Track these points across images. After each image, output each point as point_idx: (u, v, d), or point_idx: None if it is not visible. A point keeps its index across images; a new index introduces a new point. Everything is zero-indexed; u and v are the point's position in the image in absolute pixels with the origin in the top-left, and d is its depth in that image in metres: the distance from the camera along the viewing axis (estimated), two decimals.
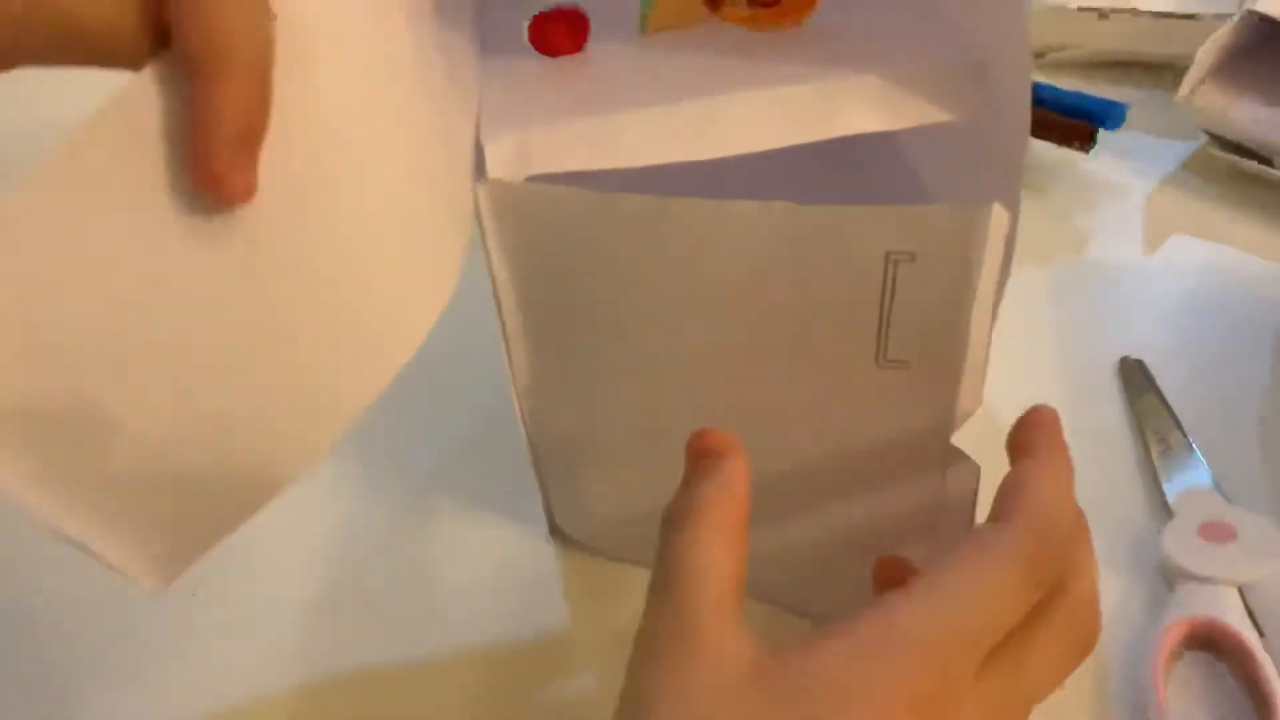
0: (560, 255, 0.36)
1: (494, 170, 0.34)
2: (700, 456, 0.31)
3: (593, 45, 0.39)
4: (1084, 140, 0.57)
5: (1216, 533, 0.39)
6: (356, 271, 0.29)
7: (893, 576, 0.33)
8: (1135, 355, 0.48)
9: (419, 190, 0.31)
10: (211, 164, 0.26)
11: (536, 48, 0.39)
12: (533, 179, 0.35)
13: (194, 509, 0.28)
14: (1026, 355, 0.50)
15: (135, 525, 0.28)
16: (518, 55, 0.39)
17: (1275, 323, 0.49)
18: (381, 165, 0.29)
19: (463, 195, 0.34)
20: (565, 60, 0.39)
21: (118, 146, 0.25)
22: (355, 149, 0.29)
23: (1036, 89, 0.58)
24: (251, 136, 0.26)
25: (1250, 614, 0.37)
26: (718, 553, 0.28)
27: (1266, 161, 0.56)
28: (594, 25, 0.39)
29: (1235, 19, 0.57)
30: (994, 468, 0.44)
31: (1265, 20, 0.57)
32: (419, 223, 0.31)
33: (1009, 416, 0.46)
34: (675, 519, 0.29)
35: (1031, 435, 0.33)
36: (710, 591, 0.27)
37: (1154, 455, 0.44)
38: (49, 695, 0.41)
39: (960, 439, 0.44)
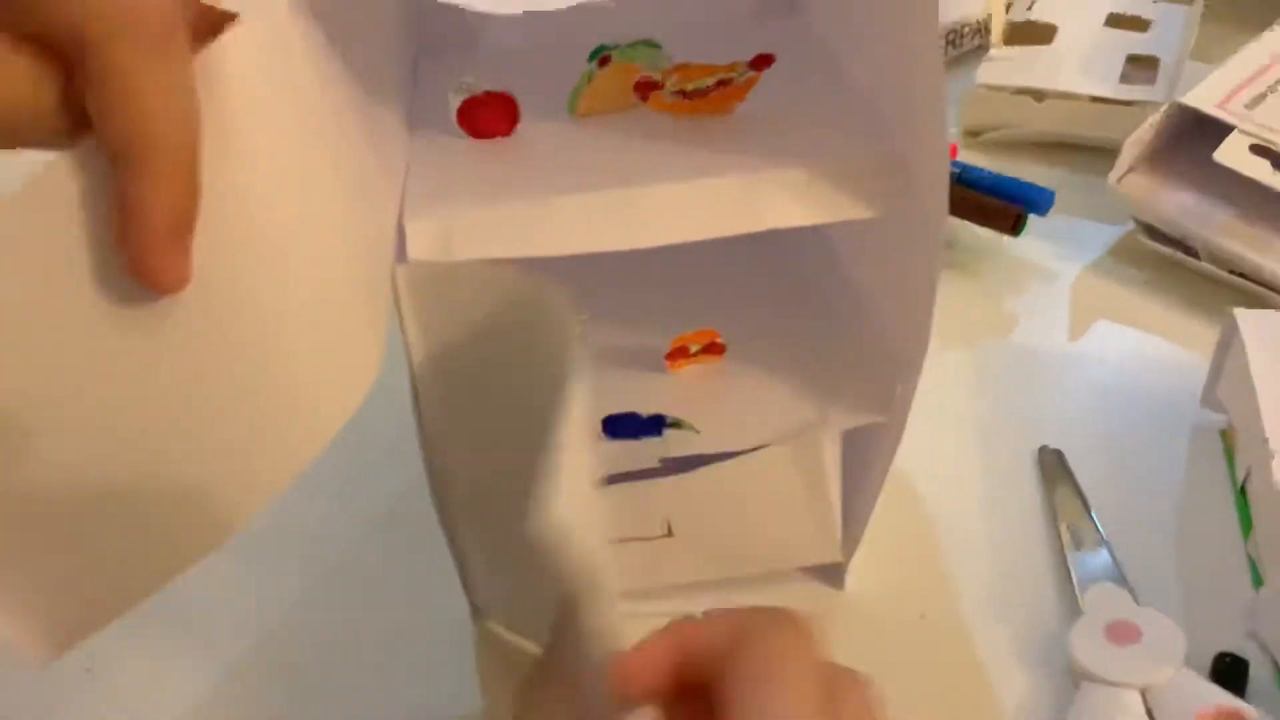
0: (475, 335, 0.35)
1: (414, 253, 0.34)
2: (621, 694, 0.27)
3: (523, 126, 0.39)
4: (1011, 225, 0.57)
5: (1122, 633, 0.39)
6: (278, 357, 0.29)
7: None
8: (1055, 444, 0.49)
9: (343, 275, 0.31)
10: (145, 256, 0.25)
11: (466, 131, 0.39)
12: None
13: (94, 581, 0.28)
14: (949, 440, 0.50)
15: (26, 595, 0.27)
16: (447, 135, 0.39)
17: (1192, 416, 0.50)
18: (307, 252, 0.29)
19: (385, 280, 0.33)
20: (495, 142, 0.39)
21: (37, 225, 0.25)
22: (280, 235, 0.28)
23: (967, 171, 0.59)
24: (182, 227, 0.26)
25: (1150, 717, 0.37)
26: None
27: (1191, 252, 0.57)
28: (525, 104, 0.39)
29: (1163, 111, 0.58)
30: (914, 548, 0.44)
31: (1191, 112, 0.57)
32: (342, 308, 0.31)
33: (932, 500, 0.47)
34: None
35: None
36: None
37: (1066, 549, 0.44)
38: None
39: (880, 523, 0.44)
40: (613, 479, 0.38)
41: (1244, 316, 0.47)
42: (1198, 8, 0.71)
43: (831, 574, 0.43)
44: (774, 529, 0.41)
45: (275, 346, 0.28)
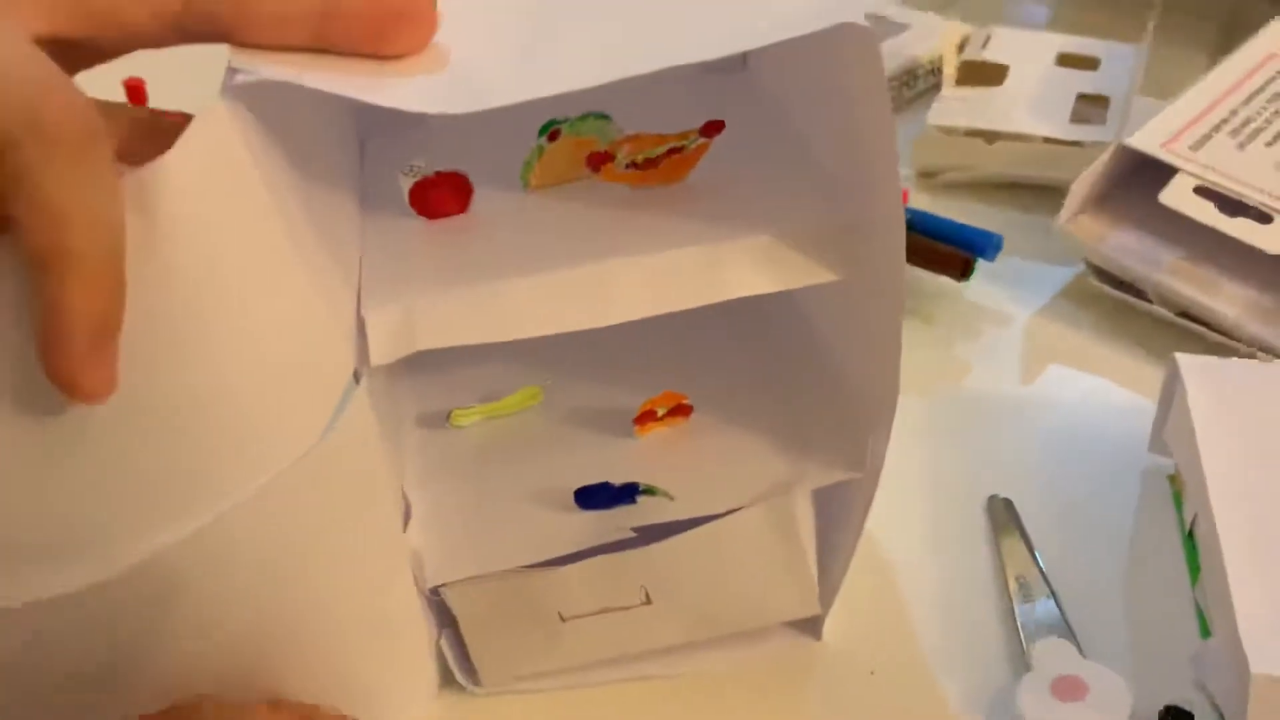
0: None
1: (375, 345, 0.34)
2: None
3: (477, 201, 0.39)
4: (960, 270, 0.57)
5: (1069, 689, 0.39)
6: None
7: None
8: (1005, 492, 0.49)
9: (292, 368, 0.31)
10: (65, 364, 0.25)
11: (419, 213, 0.39)
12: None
13: None
14: (900, 490, 0.49)
15: None
16: (400, 216, 0.39)
17: (1142, 461, 0.50)
18: (252, 346, 0.29)
19: (339, 372, 0.33)
20: (450, 221, 0.39)
21: None
22: (220, 326, 0.28)
23: (916, 216, 0.60)
24: (106, 333, 0.26)
25: None
26: None
27: (1141, 294, 0.57)
28: (478, 180, 0.39)
29: (1108, 153, 0.58)
30: (862, 601, 0.44)
31: (1137, 153, 0.58)
32: (285, 404, 0.31)
33: (882, 552, 0.47)
34: None
35: None
36: None
37: (1014, 601, 0.44)
38: None
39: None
40: (589, 553, 0.38)
41: (1185, 362, 0.47)
42: (1146, 46, 0.72)
43: (809, 625, 0.43)
44: (753, 588, 0.41)
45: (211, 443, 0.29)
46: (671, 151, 0.38)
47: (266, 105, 0.30)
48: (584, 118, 0.38)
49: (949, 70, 0.73)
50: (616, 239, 0.36)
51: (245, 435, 0.30)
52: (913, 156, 0.69)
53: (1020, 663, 0.42)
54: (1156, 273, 0.56)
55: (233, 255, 0.28)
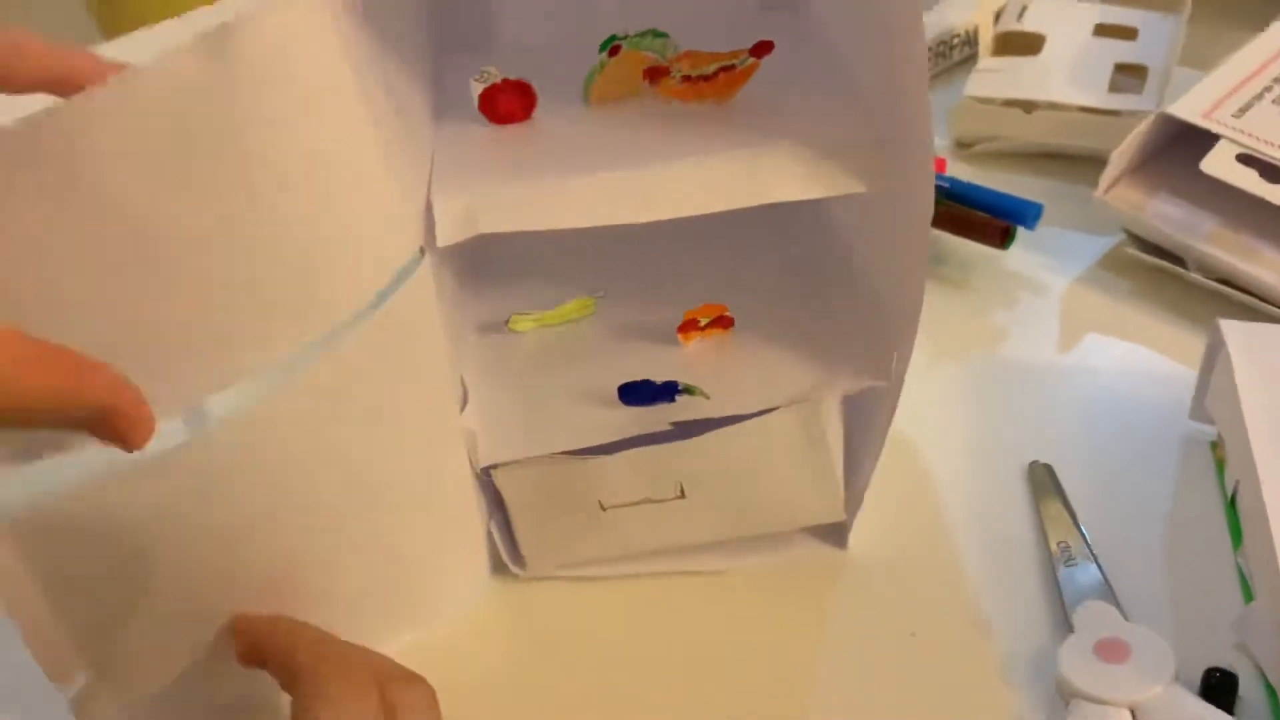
0: None
1: (442, 228, 0.37)
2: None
3: (540, 113, 0.43)
4: (999, 239, 0.57)
5: (1111, 651, 0.40)
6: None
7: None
8: (1045, 458, 0.49)
9: (359, 229, 0.33)
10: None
11: (487, 117, 0.42)
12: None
13: None
14: (940, 453, 0.50)
15: None
16: (471, 123, 0.42)
17: (1181, 428, 0.50)
18: (321, 200, 0.32)
19: (405, 244, 0.36)
20: (514, 128, 0.42)
21: None
22: (293, 177, 0.31)
23: (955, 186, 0.59)
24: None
25: None
26: None
27: (1180, 262, 0.57)
28: (543, 93, 0.43)
29: (1149, 121, 0.58)
30: (903, 566, 0.44)
31: (1177, 122, 0.58)
32: (351, 259, 0.34)
33: (927, 512, 0.47)
34: None
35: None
36: None
37: (1056, 565, 0.44)
38: None
39: (866, 539, 0.44)
40: (628, 443, 0.41)
41: (1229, 328, 0.47)
42: (1185, 16, 0.71)
43: (836, 535, 0.46)
44: (781, 490, 0.43)
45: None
46: (723, 70, 0.40)
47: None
48: (643, 34, 0.41)
49: (985, 40, 0.73)
50: (665, 146, 0.39)
51: (315, 277, 0.32)
52: (949, 126, 0.69)
53: (1062, 625, 0.42)
54: (1196, 240, 0.56)
55: (311, 117, 0.30)
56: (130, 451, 0.28)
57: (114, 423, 0.27)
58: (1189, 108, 0.58)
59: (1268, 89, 0.59)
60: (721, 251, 0.50)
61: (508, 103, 0.42)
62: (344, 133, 0.32)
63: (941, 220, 0.59)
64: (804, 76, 0.43)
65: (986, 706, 0.40)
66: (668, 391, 0.41)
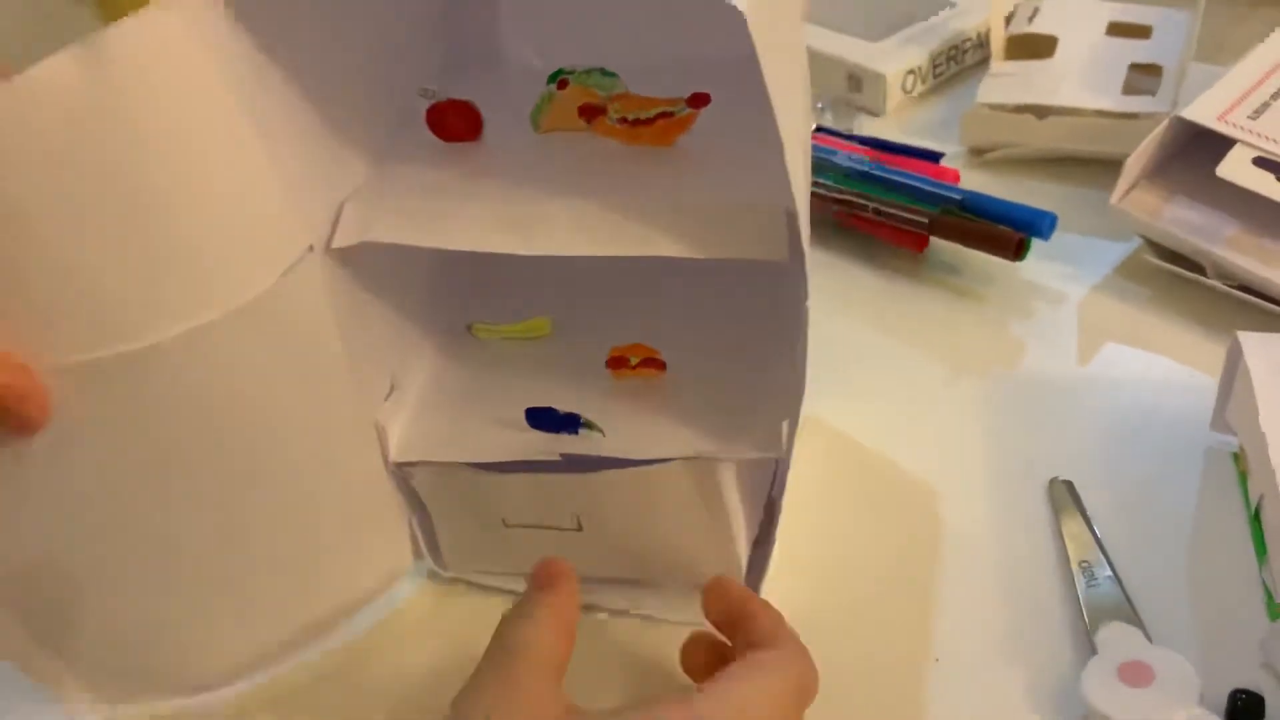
0: None
1: (340, 230, 0.39)
2: (541, 578, 0.38)
3: (490, 135, 0.44)
4: (1015, 251, 0.57)
5: (1136, 675, 0.39)
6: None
7: (695, 654, 0.40)
8: (1065, 473, 0.48)
9: (240, 227, 0.35)
10: None
11: (436, 134, 0.43)
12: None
13: None
14: (958, 471, 0.50)
15: None
16: (426, 136, 0.43)
17: (1204, 440, 0.49)
18: (202, 201, 0.34)
19: (289, 242, 0.37)
20: (461, 146, 0.43)
21: None
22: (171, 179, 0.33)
23: (969, 197, 0.59)
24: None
25: None
26: (545, 633, 0.36)
27: (1198, 268, 0.56)
28: (500, 116, 0.43)
29: (1163, 127, 0.57)
30: (924, 588, 0.44)
31: (1193, 125, 0.57)
32: (233, 254, 0.35)
33: (946, 532, 0.47)
34: (513, 610, 0.37)
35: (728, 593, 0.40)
36: (534, 658, 0.35)
37: (1079, 586, 0.44)
38: None
39: (888, 558, 0.44)
40: (520, 465, 0.42)
41: (1247, 339, 0.46)
42: (1199, 12, 0.70)
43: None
44: (673, 542, 0.43)
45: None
46: (661, 115, 0.41)
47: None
48: (590, 71, 0.41)
49: (997, 44, 0.72)
50: (577, 184, 0.40)
51: (193, 269, 0.34)
52: (961, 134, 0.69)
53: (1085, 647, 0.42)
54: (1214, 246, 0.55)
55: (184, 119, 0.32)
56: (27, 434, 0.31)
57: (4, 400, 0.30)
58: (1203, 111, 0.57)
59: None
60: (688, 296, 0.50)
61: (454, 122, 0.43)
62: (218, 134, 0.33)
63: (956, 233, 0.59)
64: (744, 134, 0.41)
65: None
66: (571, 423, 0.42)
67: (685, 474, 0.40)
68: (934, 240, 0.60)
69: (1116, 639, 0.41)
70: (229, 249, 0.35)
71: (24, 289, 0.31)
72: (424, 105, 0.43)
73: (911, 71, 0.74)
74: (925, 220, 0.59)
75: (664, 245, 0.37)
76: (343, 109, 0.40)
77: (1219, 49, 0.67)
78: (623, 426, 0.43)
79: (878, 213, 0.60)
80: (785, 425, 0.40)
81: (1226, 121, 0.57)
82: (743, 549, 0.43)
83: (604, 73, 0.42)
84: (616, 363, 0.45)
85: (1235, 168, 0.55)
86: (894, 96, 0.74)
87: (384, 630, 0.46)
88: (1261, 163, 0.55)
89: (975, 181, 0.66)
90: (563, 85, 0.42)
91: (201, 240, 0.34)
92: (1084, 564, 0.45)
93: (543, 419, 0.43)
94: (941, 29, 0.76)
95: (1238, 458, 0.48)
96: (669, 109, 0.41)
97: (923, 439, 0.51)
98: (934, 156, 0.63)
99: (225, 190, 0.34)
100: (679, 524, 0.42)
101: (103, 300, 0.32)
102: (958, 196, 0.59)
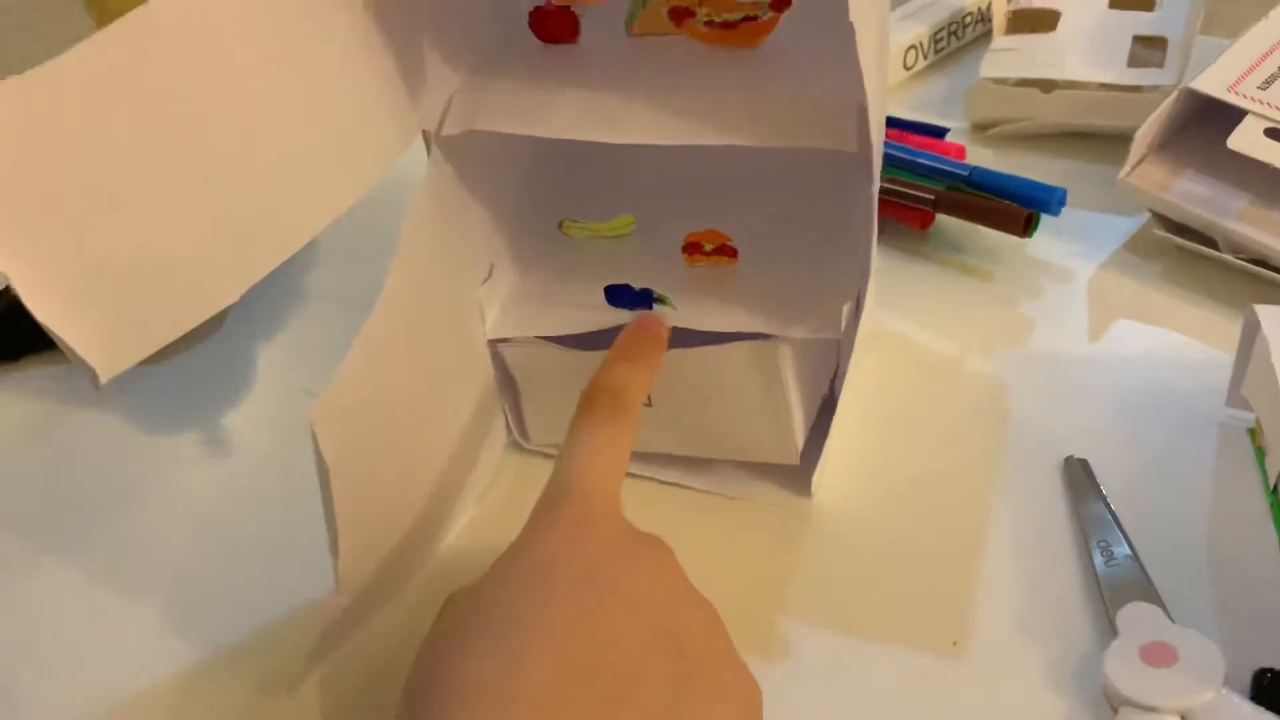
0: None
1: (449, 120, 0.42)
2: (640, 337, 0.42)
3: (586, 36, 0.46)
4: (1023, 228, 0.56)
5: (1158, 655, 0.39)
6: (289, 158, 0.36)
7: None
8: (1080, 452, 0.48)
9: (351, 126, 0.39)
10: None
11: (536, 35, 0.46)
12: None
13: (142, 313, 0.33)
14: (970, 454, 0.49)
15: (94, 318, 0.32)
16: (528, 37, 0.46)
17: (1219, 415, 0.48)
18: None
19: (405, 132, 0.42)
20: (559, 47, 0.46)
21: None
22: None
23: (975, 173, 0.58)
24: None
25: None
26: (624, 438, 0.37)
27: (1209, 242, 0.55)
28: (598, 21, 0.46)
29: (1172, 98, 0.56)
30: (940, 571, 0.43)
31: (1201, 97, 0.56)
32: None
33: (959, 519, 0.46)
34: (607, 395, 0.39)
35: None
36: (613, 477, 0.36)
37: (1097, 566, 0.43)
38: None
39: (904, 543, 0.44)
40: (601, 342, 0.44)
41: (1264, 313, 0.45)
42: None
43: (799, 483, 0.48)
44: (736, 420, 0.46)
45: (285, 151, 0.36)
46: (746, 19, 0.43)
47: None
48: None
49: (998, 18, 0.71)
50: (664, 80, 0.42)
51: (329, 160, 0.37)
52: (966, 109, 0.68)
53: (1105, 630, 0.41)
54: (1225, 219, 0.54)
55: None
56: None
57: None
58: (1213, 82, 0.56)
59: None
60: (763, 194, 0.52)
61: (554, 24, 0.45)
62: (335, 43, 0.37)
63: (963, 209, 0.58)
64: (823, 36, 0.44)
65: (1034, 717, 0.39)
66: (645, 298, 0.45)
67: (746, 355, 0.43)
68: (939, 217, 0.59)
69: (1138, 619, 0.40)
70: (356, 140, 0.39)
71: (191, 212, 0.34)
72: (525, 9, 0.46)
73: (913, 47, 0.73)
74: (931, 197, 0.58)
75: (741, 134, 0.39)
76: (453, 12, 0.43)
77: (1227, 22, 0.66)
78: (694, 307, 0.45)
79: (882, 189, 0.59)
80: (846, 308, 0.43)
81: (1237, 93, 0.56)
82: (799, 434, 0.46)
83: None
84: (692, 248, 0.48)
85: (1247, 139, 0.54)
86: (895, 73, 0.73)
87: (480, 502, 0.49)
88: (1273, 134, 0.54)
89: (980, 157, 0.65)
90: None
91: (336, 131, 0.38)
92: (1101, 543, 0.44)
93: (620, 296, 0.46)
94: (942, 4, 0.75)
95: (1254, 433, 0.47)
96: (754, 13, 0.43)
97: (932, 418, 0.51)
98: (939, 132, 0.62)
99: (345, 84, 0.38)
100: (739, 405, 0.45)
101: (256, 218, 0.36)
102: (964, 172, 0.58)
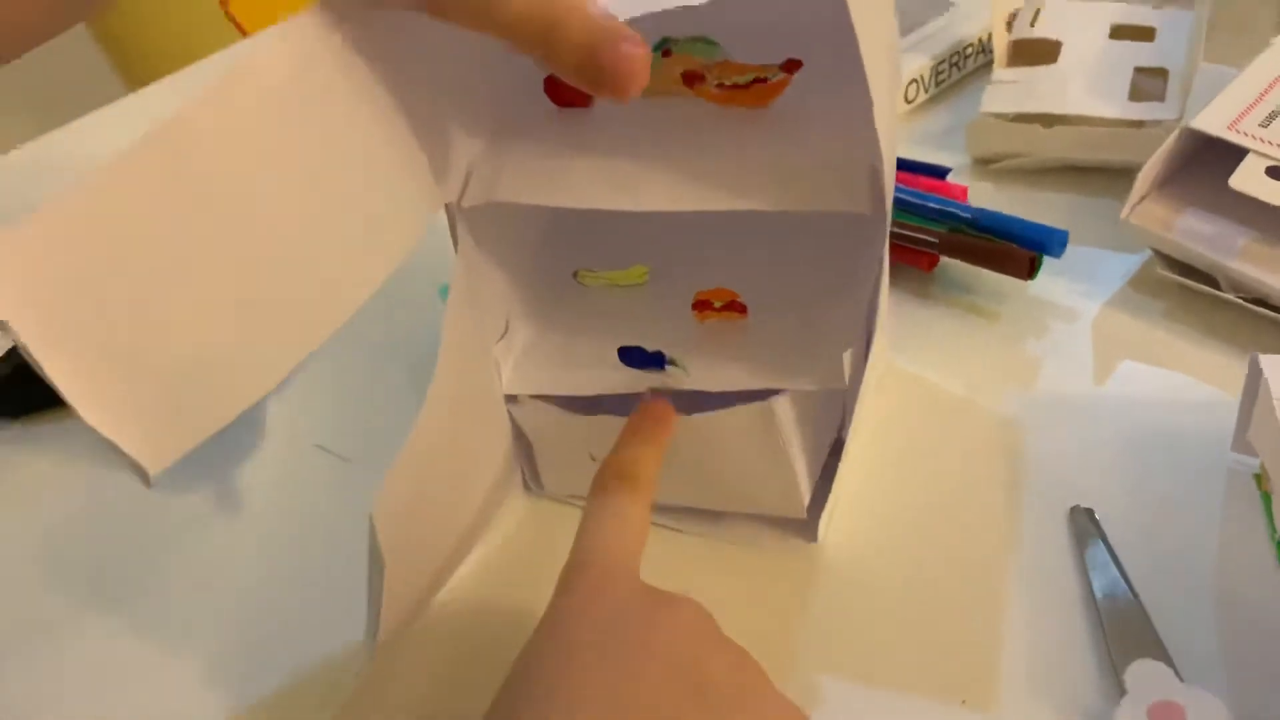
0: None
1: (470, 191, 0.43)
2: (648, 422, 0.43)
3: (600, 100, 0.44)
4: (1026, 270, 0.56)
5: (1167, 715, 0.39)
6: (323, 246, 0.37)
7: None
8: (1085, 499, 0.48)
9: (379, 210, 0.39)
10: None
11: (551, 100, 0.46)
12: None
13: (187, 410, 0.34)
14: (978, 498, 0.49)
15: (142, 420, 0.32)
16: (543, 102, 0.46)
17: (1225, 459, 0.49)
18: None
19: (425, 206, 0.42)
20: (575, 111, 0.46)
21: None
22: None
23: (979, 215, 0.58)
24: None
25: None
26: (639, 512, 0.38)
27: (1212, 281, 0.55)
28: None
29: (1173, 137, 0.56)
30: (947, 627, 0.44)
31: (1202, 135, 0.56)
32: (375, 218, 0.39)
33: (967, 570, 0.46)
34: (619, 477, 0.39)
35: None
36: (630, 547, 0.37)
37: (1104, 621, 0.43)
38: None
39: (911, 595, 0.44)
40: (615, 399, 0.46)
41: (1267, 362, 0.46)
42: (1204, 13, 0.69)
43: (804, 529, 0.49)
44: (742, 477, 0.47)
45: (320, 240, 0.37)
46: (757, 80, 0.43)
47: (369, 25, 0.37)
48: (693, 40, 0.45)
49: (999, 49, 0.71)
50: (679, 144, 0.42)
51: (365, 244, 0.38)
52: (967, 144, 0.68)
53: (1112, 684, 0.41)
54: (1227, 258, 0.54)
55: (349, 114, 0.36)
56: (620, 98, 0.33)
57: (596, 61, 0.32)
58: (1213, 120, 0.57)
59: None
60: (774, 248, 0.53)
61: (569, 90, 0.45)
62: (370, 122, 0.37)
63: (967, 253, 0.58)
64: (836, 96, 0.44)
65: None
66: (657, 360, 0.46)
67: (745, 419, 0.44)
68: (944, 258, 0.59)
69: (1145, 677, 0.41)
70: (391, 221, 0.39)
71: (237, 296, 0.34)
72: (539, 75, 0.46)
73: (914, 80, 0.73)
74: (935, 240, 0.58)
75: (756, 200, 0.40)
76: (471, 89, 0.44)
77: (1228, 51, 0.66)
78: (704, 366, 0.46)
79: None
80: (847, 357, 0.43)
81: (1237, 130, 0.56)
82: (804, 489, 0.46)
83: (705, 41, 0.45)
84: (701, 305, 0.48)
85: (1248, 178, 0.54)
86: (898, 107, 0.73)
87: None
88: (1274, 172, 0.54)
89: (982, 191, 0.65)
90: (667, 53, 0.45)
91: (373, 215, 0.38)
92: (1108, 594, 0.44)
93: (633, 357, 0.46)
94: (942, 35, 0.76)
95: (1259, 478, 0.48)
96: (764, 74, 0.43)
97: (937, 466, 0.51)
98: (941, 172, 0.62)
99: (380, 169, 0.38)
100: (742, 465, 0.46)
101: (302, 299, 0.36)
102: (968, 215, 0.58)
